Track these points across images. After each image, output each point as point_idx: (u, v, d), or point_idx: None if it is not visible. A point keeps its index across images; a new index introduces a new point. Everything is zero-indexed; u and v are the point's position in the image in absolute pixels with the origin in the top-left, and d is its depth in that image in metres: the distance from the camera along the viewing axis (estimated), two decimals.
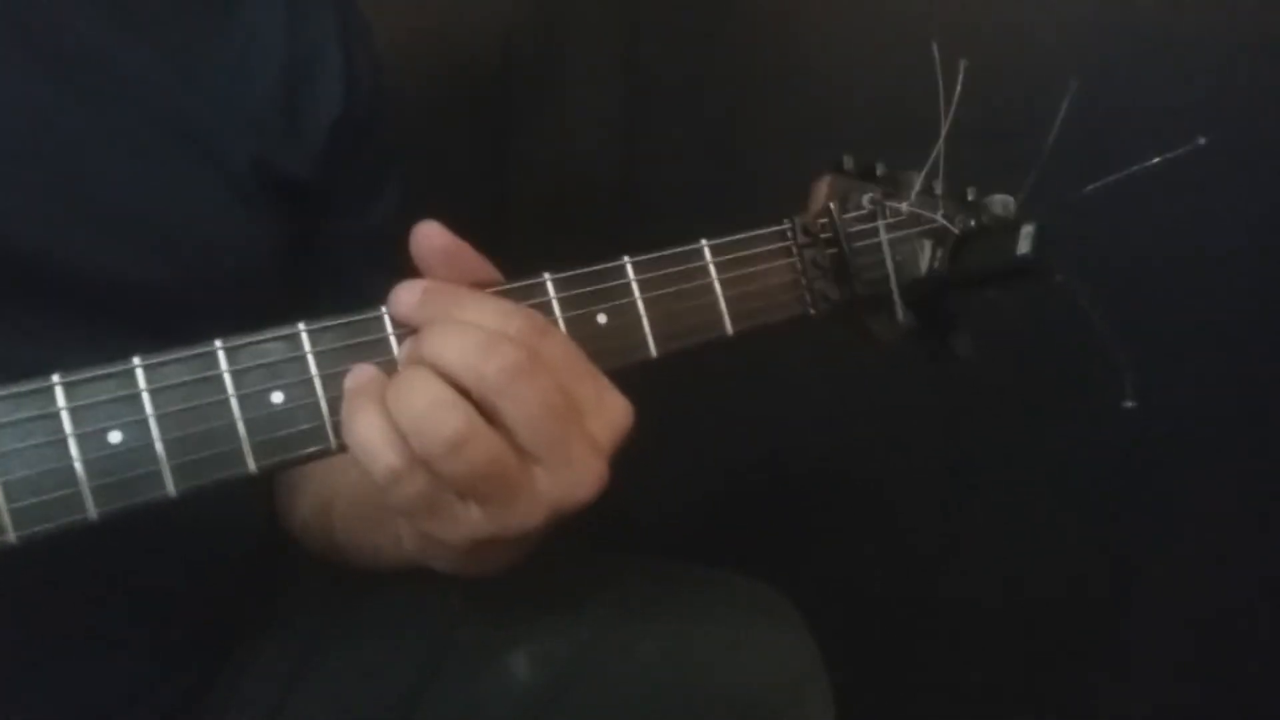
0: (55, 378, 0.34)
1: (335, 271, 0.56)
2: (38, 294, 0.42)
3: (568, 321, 0.39)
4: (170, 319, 0.44)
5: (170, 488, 0.35)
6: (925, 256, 0.47)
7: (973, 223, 0.48)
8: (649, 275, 0.40)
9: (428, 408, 0.33)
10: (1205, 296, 0.75)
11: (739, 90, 0.84)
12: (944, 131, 0.47)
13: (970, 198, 0.51)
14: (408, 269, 0.38)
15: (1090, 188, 0.47)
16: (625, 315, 0.39)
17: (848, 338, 0.45)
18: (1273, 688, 0.77)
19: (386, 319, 0.37)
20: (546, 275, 0.39)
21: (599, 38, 0.87)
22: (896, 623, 0.86)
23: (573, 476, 0.35)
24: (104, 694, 0.47)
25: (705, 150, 0.86)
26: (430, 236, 0.37)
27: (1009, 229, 0.44)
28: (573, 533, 0.38)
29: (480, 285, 0.37)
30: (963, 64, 0.46)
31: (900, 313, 0.45)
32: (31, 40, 0.43)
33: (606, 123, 0.88)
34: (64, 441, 0.34)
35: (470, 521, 0.35)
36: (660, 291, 0.40)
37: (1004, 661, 0.86)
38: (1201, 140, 0.46)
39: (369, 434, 0.34)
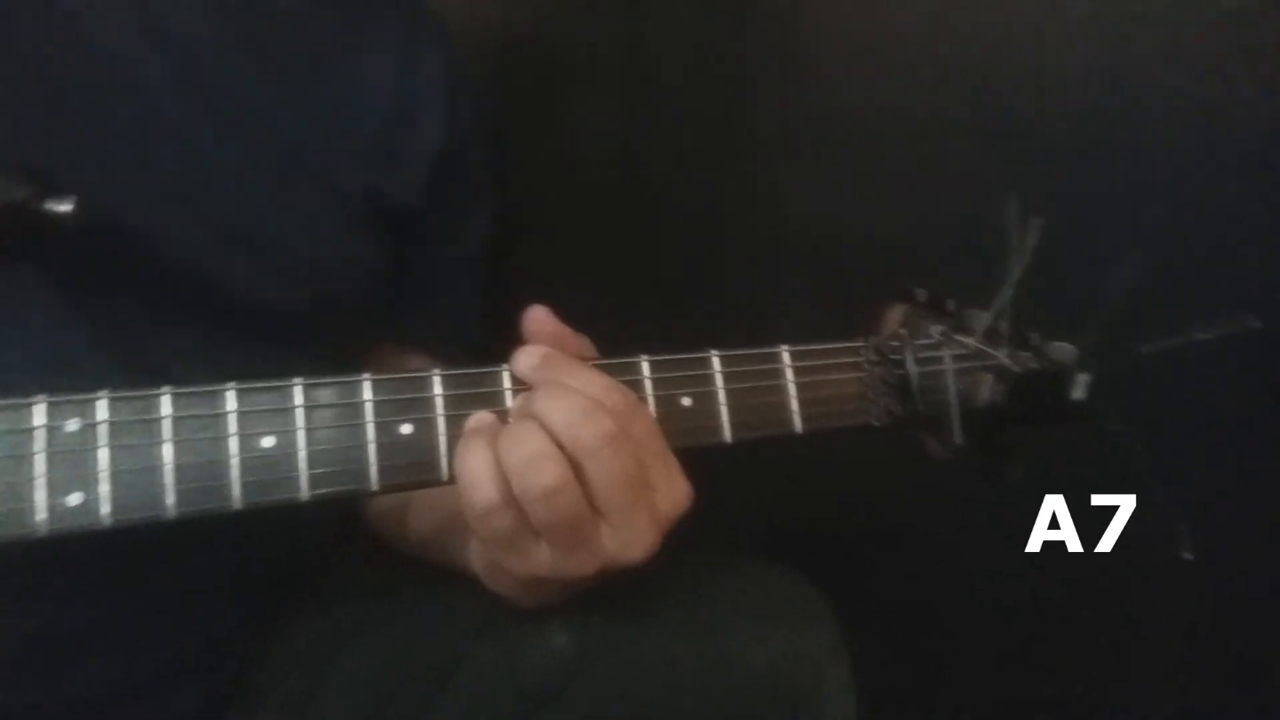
0: (230, 384, 0.40)
1: (429, 291, 0.62)
2: (180, 305, 0.48)
3: (656, 399, 0.44)
4: (286, 334, 0.50)
5: (304, 493, 0.40)
6: (986, 389, 0.51)
7: (1035, 365, 0.52)
8: (732, 369, 0.45)
9: (532, 456, 0.38)
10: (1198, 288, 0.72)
11: (741, 92, 0.86)
12: (1013, 280, 0.51)
13: (1033, 341, 0.55)
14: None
15: (1146, 348, 0.50)
16: (707, 402, 0.45)
17: (906, 448, 0.49)
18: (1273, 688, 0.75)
19: (505, 376, 0.43)
20: (643, 357, 0.44)
21: (600, 40, 0.90)
22: (898, 625, 0.86)
23: (631, 539, 0.40)
24: (147, 674, 0.50)
25: (706, 153, 0.87)
26: (540, 321, 0.43)
27: (1066, 375, 0.48)
28: None
29: (586, 359, 0.43)
30: (1036, 223, 0.51)
31: (957, 435, 0.49)
32: (192, 81, 0.48)
33: (607, 124, 0.90)
34: (226, 440, 0.40)
35: (537, 560, 0.40)
36: (740, 385, 0.45)
37: (1006, 665, 0.85)
38: (1257, 324, 0.50)
39: (477, 468, 0.39)
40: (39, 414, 0.38)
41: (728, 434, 0.45)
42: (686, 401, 0.44)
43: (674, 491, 0.41)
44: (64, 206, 0.42)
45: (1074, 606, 0.82)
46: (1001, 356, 0.51)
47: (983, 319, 0.52)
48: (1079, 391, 0.46)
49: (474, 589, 0.45)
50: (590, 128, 0.90)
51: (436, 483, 0.42)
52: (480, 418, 0.41)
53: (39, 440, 0.38)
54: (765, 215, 0.85)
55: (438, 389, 0.42)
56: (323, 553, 0.59)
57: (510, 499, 0.39)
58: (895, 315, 0.51)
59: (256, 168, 0.50)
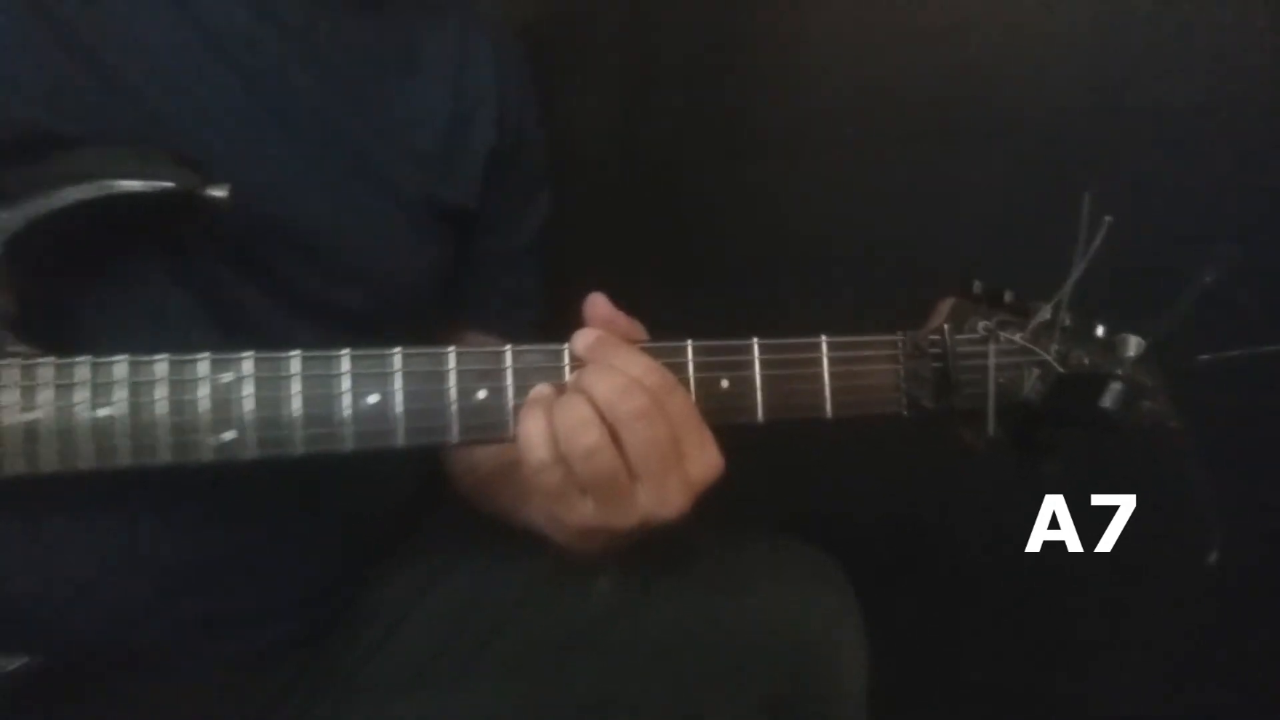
0: (345, 350, 0.49)
1: (492, 279, 0.67)
2: (265, 299, 0.54)
3: (696, 381, 0.49)
4: (355, 330, 0.55)
5: (400, 440, 0.49)
6: (1028, 384, 0.52)
7: (1086, 361, 0.53)
8: (771, 356, 0.50)
9: (577, 423, 0.45)
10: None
11: (742, 91, 0.87)
12: (1076, 275, 0.52)
13: (1099, 333, 0.55)
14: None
15: (1204, 358, 0.50)
16: (744, 384, 0.50)
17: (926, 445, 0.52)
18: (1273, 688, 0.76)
19: (566, 353, 0.49)
20: (689, 341, 0.50)
21: (601, 38, 0.91)
22: (906, 616, 0.88)
23: (663, 499, 0.46)
24: (264, 601, 0.57)
25: (707, 151, 0.89)
26: (597, 306, 0.49)
27: (1105, 382, 0.49)
28: None
29: (636, 340, 0.49)
30: (1107, 220, 0.51)
31: (991, 426, 0.52)
32: (261, 93, 0.52)
33: (608, 123, 0.92)
34: (341, 395, 0.49)
35: (584, 512, 0.47)
36: (777, 371, 0.50)
37: (1003, 661, 0.88)
38: None
39: (535, 431, 0.46)
40: (203, 367, 0.48)
41: (760, 415, 0.50)
42: (725, 383, 0.50)
43: (706, 461, 0.47)
44: (220, 192, 0.51)
45: (1078, 604, 0.83)
46: (1048, 354, 0.52)
47: (1040, 311, 0.53)
48: (1107, 400, 0.47)
49: (534, 546, 0.53)
50: (591, 126, 0.92)
51: (505, 440, 0.49)
52: (540, 389, 0.48)
53: (202, 388, 0.48)
54: (766, 215, 0.86)
55: (509, 363, 0.49)
56: (410, 510, 0.69)
57: (559, 458, 0.46)
58: (943, 309, 0.53)
59: (323, 177, 0.55)
